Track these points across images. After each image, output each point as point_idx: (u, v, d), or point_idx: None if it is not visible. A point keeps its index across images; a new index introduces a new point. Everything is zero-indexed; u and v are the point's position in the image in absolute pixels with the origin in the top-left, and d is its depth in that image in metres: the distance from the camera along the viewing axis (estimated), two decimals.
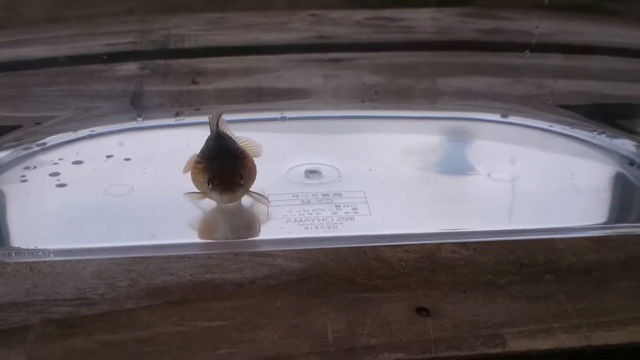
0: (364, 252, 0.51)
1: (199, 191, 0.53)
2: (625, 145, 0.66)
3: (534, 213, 0.57)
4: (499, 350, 0.43)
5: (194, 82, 0.76)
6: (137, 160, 0.62)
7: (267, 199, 0.55)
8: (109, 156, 0.62)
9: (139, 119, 0.69)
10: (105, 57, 0.70)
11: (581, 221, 0.56)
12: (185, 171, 0.54)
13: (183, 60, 0.76)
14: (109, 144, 0.65)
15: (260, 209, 0.55)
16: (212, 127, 0.54)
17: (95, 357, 0.41)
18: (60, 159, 0.62)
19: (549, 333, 0.44)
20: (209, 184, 0.51)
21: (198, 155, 0.53)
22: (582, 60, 0.72)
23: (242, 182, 0.51)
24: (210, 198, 0.53)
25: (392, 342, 0.43)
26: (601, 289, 0.48)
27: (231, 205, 0.54)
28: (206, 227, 0.55)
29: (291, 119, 0.70)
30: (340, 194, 0.57)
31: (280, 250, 0.51)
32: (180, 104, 0.73)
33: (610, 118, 0.70)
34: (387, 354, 0.42)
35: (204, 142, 0.54)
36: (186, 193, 0.53)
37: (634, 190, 0.60)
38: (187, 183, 0.54)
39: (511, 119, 0.71)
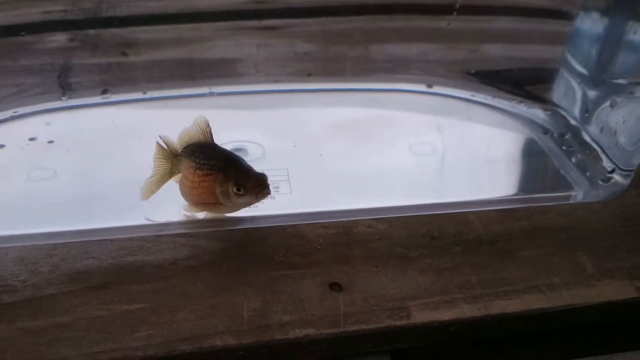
0: (284, 229, 0.53)
1: (193, 207, 0.51)
2: (540, 114, 0.68)
3: (450, 186, 0.60)
4: (403, 322, 0.46)
5: (124, 54, 0.74)
6: (61, 143, 0.61)
7: None
8: (31, 139, 0.61)
9: (63, 97, 0.67)
10: (23, 34, 0.68)
11: (492, 193, 0.58)
12: (146, 196, 0.51)
13: (114, 30, 0.74)
14: (32, 125, 0.64)
15: None
16: (204, 136, 0.51)
17: (15, 344, 0.42)
18: None
19: (451, 304, 0.47)
20: (239, 190, 0.48)
21: (202, 168, 0.49)
22: (501, 22, 0.73)
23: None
24: (225, 208, 0.50)
25: (304, 318, 0.45)
26: (504, 259, 0.52)
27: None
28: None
29: (219, 94, 0.70)
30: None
31: (202, 231, 0.52)
32: (108, 78, 0.72)
33: (526, 84, 0.71)
34: (299, 330, 0.44)
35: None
36: (185, 210, 0.52)
37: (545, 160, 0.63)
38: (110, 163, 0.54)
39: (435, 88, 0.72)
